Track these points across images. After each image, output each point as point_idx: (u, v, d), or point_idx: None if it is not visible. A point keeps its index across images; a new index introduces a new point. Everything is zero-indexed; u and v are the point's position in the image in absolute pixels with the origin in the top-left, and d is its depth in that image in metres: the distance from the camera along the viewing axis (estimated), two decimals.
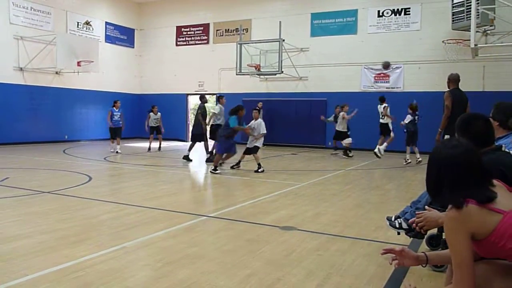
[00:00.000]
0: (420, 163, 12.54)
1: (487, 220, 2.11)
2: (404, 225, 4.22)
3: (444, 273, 3.69)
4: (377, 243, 4.71)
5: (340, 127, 15.07)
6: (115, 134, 14.99)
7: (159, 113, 16.08)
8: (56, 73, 18.70)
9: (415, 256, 2.42)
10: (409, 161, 12.96)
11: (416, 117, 12.84)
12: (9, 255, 4.01)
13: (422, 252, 2.50)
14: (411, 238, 4.42)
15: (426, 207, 2.99)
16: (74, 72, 18.33)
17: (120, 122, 15.14)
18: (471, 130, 2.85)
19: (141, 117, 22.41)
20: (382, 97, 13.93)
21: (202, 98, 13.77)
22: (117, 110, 15.16)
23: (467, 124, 2.89)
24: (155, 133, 16.05)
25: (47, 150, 15.31)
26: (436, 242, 4.28)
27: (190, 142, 13.42)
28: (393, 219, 4.40)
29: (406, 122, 12.78)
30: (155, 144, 16.13)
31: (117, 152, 14.70)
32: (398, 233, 4.33)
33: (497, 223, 2.09)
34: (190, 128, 16.24)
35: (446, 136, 7.28)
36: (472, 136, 2.82)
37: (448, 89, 7.66)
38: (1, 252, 4.12)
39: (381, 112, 13.71)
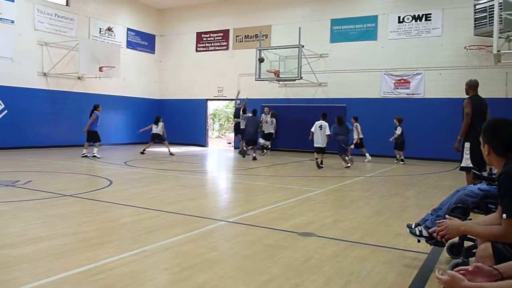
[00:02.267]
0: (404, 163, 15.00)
1: None
2: (425, 233, 4.16)
3: None
4: (397, 250, 4.66)
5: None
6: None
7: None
8: (78, 78, 19.03)
9: (488, 272, 2.24)
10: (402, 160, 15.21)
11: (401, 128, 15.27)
12: (32, 257, 4.09)
13: (493, 267, 2.33)
14: (432, 246, 4.37)
15: (447, 216, 2.96)
16: (95, 77, 18.64)
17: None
18: (499, 136, 2.79)
19: None
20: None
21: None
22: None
23: (496, 130, 2.83)
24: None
25: (69, 154, 15.54)
26: (457, 250, 4.21)
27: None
28: (413, 226, 4.35)
29: (399, 133, 15.06)
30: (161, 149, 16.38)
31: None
32: (419, 241, 4.28)
33: None
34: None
35: (466, 144, 7.15)
36: (500, 142, 2.76)
37: (468, 96, 7.47)
38: (25, 253, 4.20)
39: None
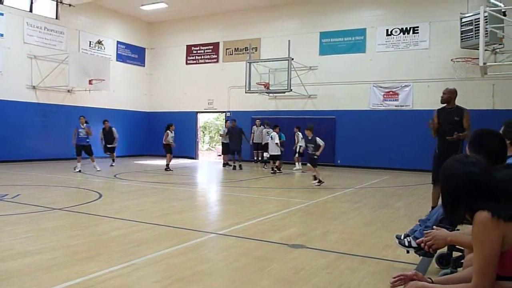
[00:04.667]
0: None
1: None
2: (414, 244, 4.20)
3: None
4: (386, 261, 4.69)
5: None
6: (81, 151, 14.29)
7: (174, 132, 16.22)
8: (68, 91, 18.98)
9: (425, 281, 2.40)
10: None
11: None
12: (21, 271, 4.05)
13: (428, 278, 2.47)
14: (421, 257, 4.40)
15: (434, 226, 3.00)
16: (85, 90, 18.59)
17: (86, 140, 14.39)
18: (486, 146, 2.85)
19: (150, 135, 22.67)
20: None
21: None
22: (82, 127, 14.36)
23: (482, 140, 2.89)
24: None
25: (58, 167, 15.44)
26: (446, 261, 4.25)
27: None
28: (402, 237, 4.38)
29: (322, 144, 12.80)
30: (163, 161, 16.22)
31: (79, 171, 13.85)
32: (408, 252, 4.32)
33: None
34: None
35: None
36: (487, 152, 2.82)
37: (459, 105, 7.00)
38: (13, 268, 4.16)
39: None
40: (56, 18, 18.78)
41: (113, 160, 16.72)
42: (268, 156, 15.72)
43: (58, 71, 18.07)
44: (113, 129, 16.76)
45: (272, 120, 19.20)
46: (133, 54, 22.65)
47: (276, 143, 14.98)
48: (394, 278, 2.45)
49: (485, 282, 2.08)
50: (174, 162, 17.72)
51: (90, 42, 20.19)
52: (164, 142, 15.64)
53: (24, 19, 17.38)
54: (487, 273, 2.07)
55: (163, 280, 3.93)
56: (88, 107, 19.72)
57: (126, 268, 4.22)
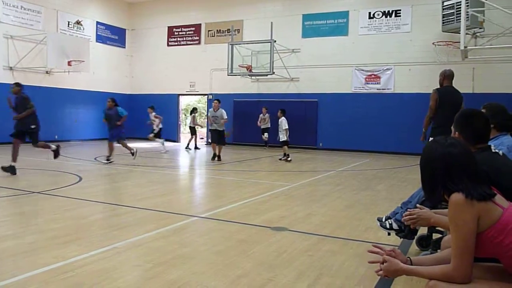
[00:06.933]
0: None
1: (491, 209, 2.13)
2: (395, 226, 4.24)
3: None
4: (368, 243, 4.72)
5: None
6: None
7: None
8: (47, 72, 18.57)
9: (404, 259, 2.42)
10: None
11: None
12: None
13: (408, 257, 2.49)
14: (402, 239, 4.44)
15: (418, 205, 3.02)
16: (64, 72, 18.22)
17: None
18: (472, 125, 2.90)
19: (131, 117, 22.34)
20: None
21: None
22: None
23: (470, 119, 2.94)
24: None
25: (37, 150, 15.15)
26: (426, 242, 4.31)
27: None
28: (383, 219, 4.42)
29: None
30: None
31: None
32: (389, 234, 4.36)
33: (499, 216, 2.11)
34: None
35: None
36: (472, 131, 2.87)
37: (438, 87, 6.89)
38: None
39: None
40: None
41: None
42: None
43: (36, 51, 17.65)
44: None
45: (254, 103, 19.17)
46: (113, 35, 22.23)
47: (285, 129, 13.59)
48: (372, 251, 2.47)
49: (464, 263, 2.10)
50: (156, 145, 17.61)
51: (68, 22, 19.72)
52: (191, 125, 17.56)
53: None
54: (465, 255, 2.10)
55: (144, 264, 3.90)
56: (68, 88, 19.39)
57: (107, 252, 4.17)
